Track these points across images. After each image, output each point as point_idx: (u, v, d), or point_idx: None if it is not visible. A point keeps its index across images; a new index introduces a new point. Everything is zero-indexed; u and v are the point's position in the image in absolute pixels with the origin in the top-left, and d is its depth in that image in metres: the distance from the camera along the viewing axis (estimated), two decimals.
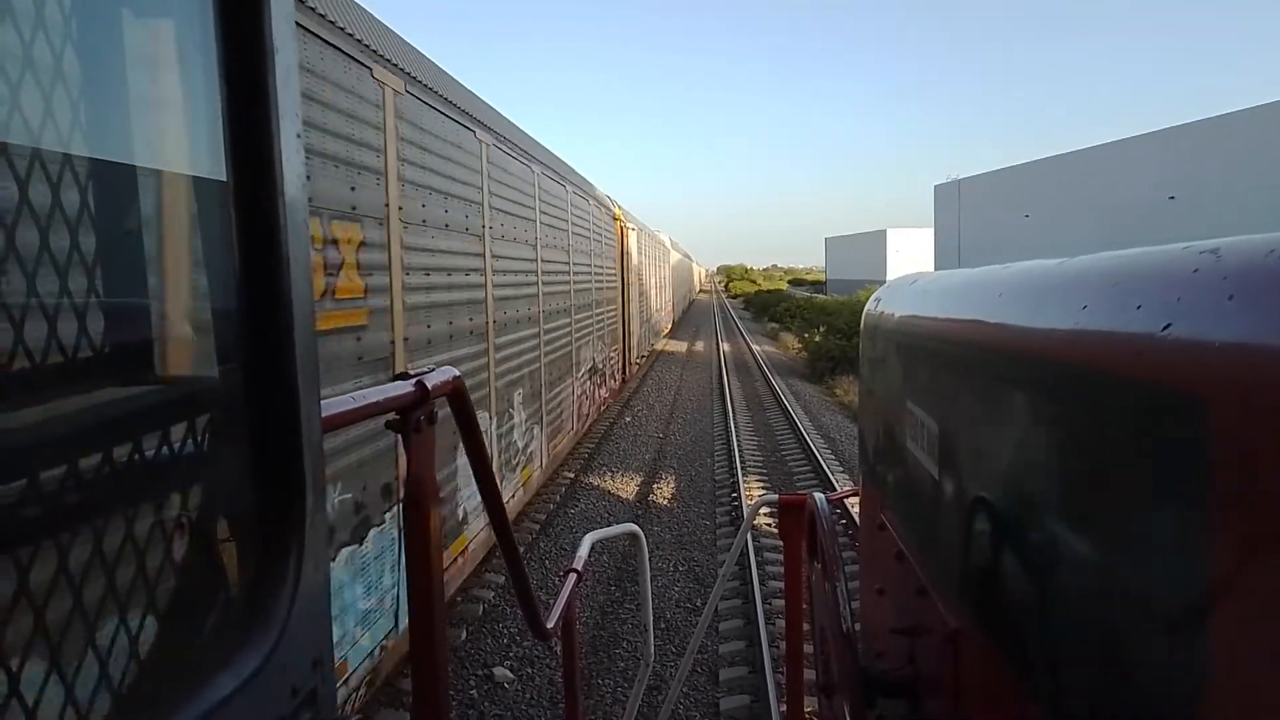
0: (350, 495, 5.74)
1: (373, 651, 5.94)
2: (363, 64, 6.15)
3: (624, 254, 22.60)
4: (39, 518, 0.78)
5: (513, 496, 10.39)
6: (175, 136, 1.03)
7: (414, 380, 1.70)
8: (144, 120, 0.97)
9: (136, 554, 0.87)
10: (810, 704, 4.96)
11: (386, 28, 7.05)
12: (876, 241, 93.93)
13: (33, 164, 0.77)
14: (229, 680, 0.89)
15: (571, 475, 14.17)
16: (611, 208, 20.63)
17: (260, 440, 1.03)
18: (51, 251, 0.78)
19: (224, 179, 0.99)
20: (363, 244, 6.02)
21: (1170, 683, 1.11)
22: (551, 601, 3.52)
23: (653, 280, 35.21)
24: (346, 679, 5.46)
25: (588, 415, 16.80)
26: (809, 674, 4.43)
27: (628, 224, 23.35)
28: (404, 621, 5.26)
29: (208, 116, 0.99)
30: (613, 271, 20.69)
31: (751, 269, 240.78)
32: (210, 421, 1.01)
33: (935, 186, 63.26)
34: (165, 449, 0.94)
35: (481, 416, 7.43)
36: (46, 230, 0.78)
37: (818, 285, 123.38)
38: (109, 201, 0.90)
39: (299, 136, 1.06)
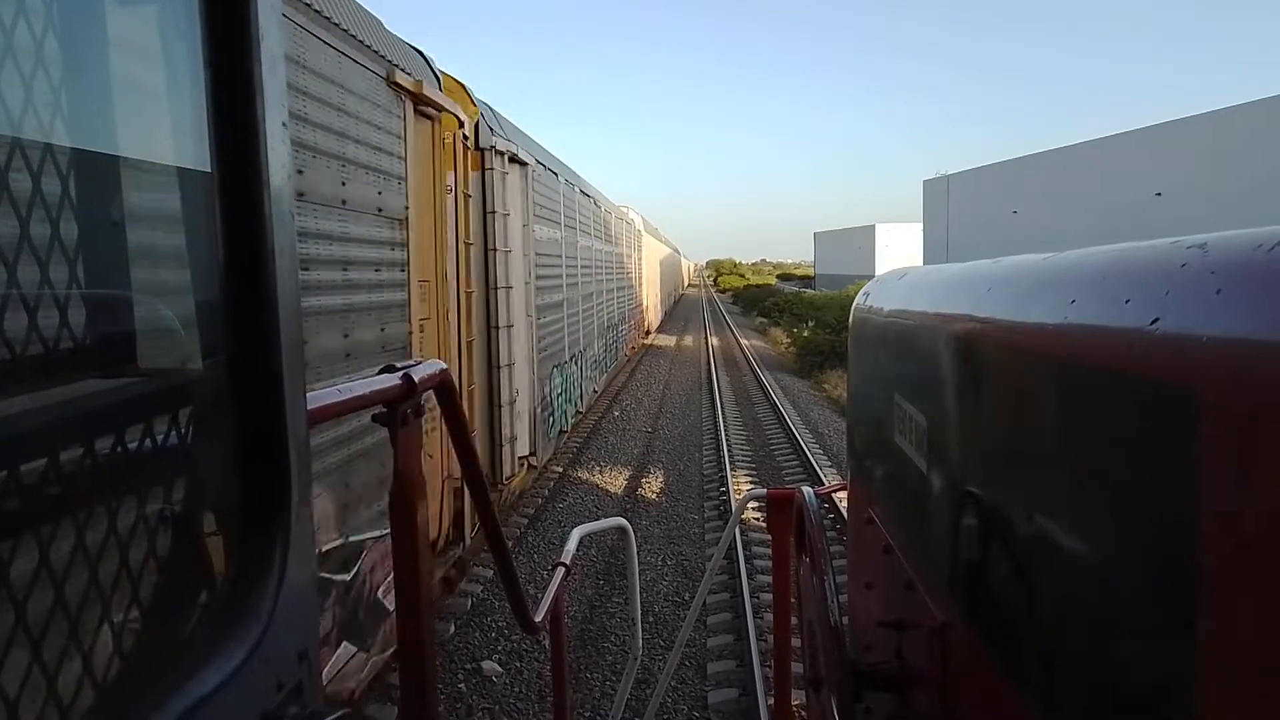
0: None
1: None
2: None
3: (479, 212, 9.34)
4: (21, 510, 0.77)
5: None
6: (159, 126, 1.01)
7: (400, 373, 1.68)
8: (127, 109, 0.96)
9: (120, 547, 0.86)
10: (798, 697, 4.98)
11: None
12: (865, 236, 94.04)
13: (13, 153, 0.76)
14: (214, 674, 0.88)
15: (560, 470, 14.16)
16: (405, 68, 6.86)
17: (245, 433, 1.02)
18: (32, 242, 0.77)
19: (208, 169, 0.98)
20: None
21: (1156, 675, 1.12)
22: (540, 595, 3.52)
23: (617, 276, 24.14)
24: None
25: None
26: (797, 667, 4.44)
27: (515, 152, 10.54)
28: None
29: (192, 106, 0.97)
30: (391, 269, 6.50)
31: (740, 263, 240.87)
32: (195, 414, 1.00)
33: (924, 181, 63.39)
34: (150, 441, 0.93)
35: None
36: (27, 220, 0.77)
37: (806, 280, 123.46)
38: (91, 192, 0.89)
39: (284, 126, 1.05)
